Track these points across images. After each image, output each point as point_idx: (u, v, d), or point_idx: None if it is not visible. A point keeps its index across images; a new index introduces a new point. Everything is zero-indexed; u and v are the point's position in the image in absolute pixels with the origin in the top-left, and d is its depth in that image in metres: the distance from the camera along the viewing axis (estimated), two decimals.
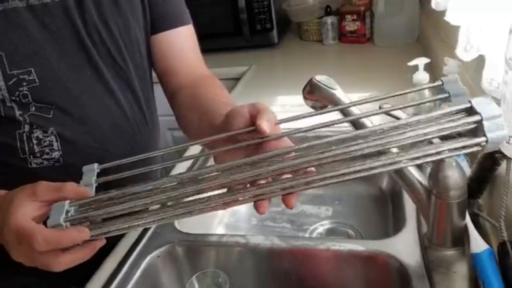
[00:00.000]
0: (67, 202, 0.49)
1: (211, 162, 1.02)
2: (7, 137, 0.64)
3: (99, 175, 0.53)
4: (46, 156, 0.65)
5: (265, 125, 0.47)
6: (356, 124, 0.63)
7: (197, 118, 0.64)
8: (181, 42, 0.80)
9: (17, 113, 0.62)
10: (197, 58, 0.82)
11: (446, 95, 0.45)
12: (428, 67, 0.99)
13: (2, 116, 0.62)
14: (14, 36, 0.60)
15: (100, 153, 0.68)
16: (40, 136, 0.64)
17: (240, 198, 0.46)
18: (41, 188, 0.49)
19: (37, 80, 0.62)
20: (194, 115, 0.65)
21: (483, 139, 0.42)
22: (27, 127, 0.64)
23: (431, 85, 0.48)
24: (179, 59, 0.79)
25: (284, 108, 1.26)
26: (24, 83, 0.62)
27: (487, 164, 0.65)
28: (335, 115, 0.54)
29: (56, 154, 0.66)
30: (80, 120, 0.67)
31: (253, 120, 0.49)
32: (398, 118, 0.59)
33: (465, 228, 0.62)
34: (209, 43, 1.49)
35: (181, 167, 0.96)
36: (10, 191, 0.51)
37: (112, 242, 0.76)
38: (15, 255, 0.50)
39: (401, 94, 0.47)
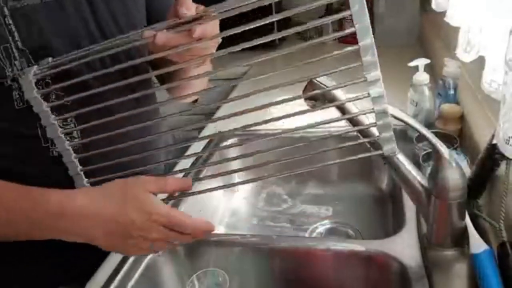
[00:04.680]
0: None
1: (213, 159, 1.02)
2: (30, 128, 0.65)
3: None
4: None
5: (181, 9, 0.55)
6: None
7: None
8: None
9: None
10: None
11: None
12: (428, 68, 0.99)
13: (26, 107, 0.63)
14: (32, 32, 0.62)
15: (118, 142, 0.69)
16: (61, 124, 0.66)
17: None
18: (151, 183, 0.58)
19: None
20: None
21: None
22: None
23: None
24: None
25: (284, 109, 1.26)
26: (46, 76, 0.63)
27: (486, 165, 0.65)
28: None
29: (75, 141, 0.67)
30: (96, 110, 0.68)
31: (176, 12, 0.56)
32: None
33: (465, 229, 0.62)
34: None
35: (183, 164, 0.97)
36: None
37: None
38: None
39: None
